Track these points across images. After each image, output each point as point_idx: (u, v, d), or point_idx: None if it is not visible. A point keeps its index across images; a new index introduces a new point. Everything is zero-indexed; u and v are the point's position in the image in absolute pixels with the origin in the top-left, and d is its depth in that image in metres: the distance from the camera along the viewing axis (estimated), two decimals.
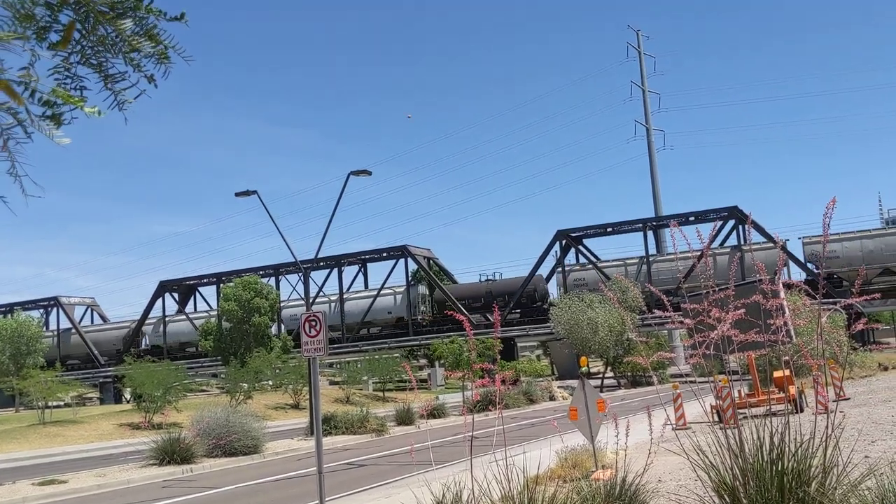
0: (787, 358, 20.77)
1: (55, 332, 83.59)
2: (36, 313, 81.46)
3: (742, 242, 62.50)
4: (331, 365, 72.01)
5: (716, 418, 15.18)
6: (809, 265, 60.39)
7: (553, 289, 68.71)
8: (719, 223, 61.56)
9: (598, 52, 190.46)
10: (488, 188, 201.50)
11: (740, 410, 12.25)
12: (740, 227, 63.46)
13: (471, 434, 7.18)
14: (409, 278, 75.21)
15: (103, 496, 17.19)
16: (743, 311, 6.59)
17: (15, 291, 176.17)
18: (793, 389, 18.43)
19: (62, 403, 50.42)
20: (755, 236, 55.40)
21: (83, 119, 2.95)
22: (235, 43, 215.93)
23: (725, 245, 64.75)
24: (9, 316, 70.28)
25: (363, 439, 27.70)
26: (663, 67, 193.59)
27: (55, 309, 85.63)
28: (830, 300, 10.85)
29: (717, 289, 7.25)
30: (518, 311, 69.09)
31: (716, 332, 6.54)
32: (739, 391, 20.35)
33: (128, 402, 58.77)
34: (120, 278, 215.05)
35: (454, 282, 77.99)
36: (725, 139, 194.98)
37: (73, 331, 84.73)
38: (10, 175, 2.84)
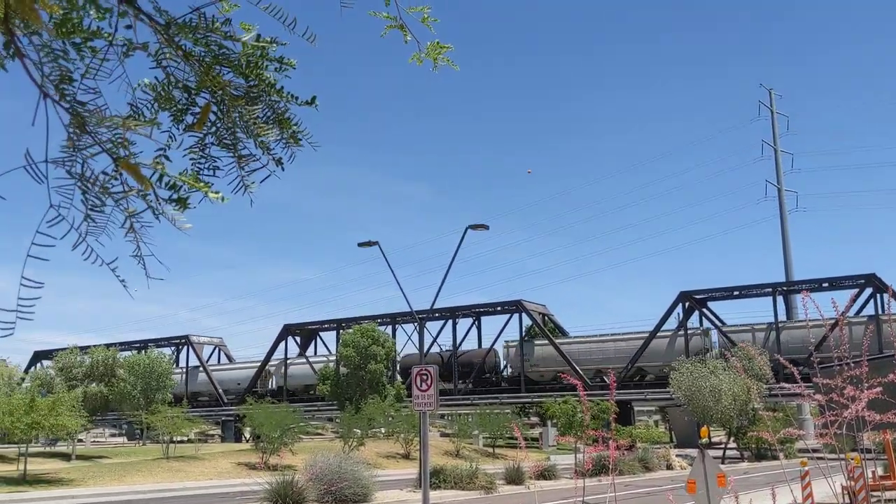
0: None
1: (184, 370, 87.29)
2: (168, 350, 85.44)
3: (880, 312, 58.78)
4: (443, 416, 71.91)
5: (846, 500, 14.20)
6: None
7: (674, 352, 66.50)
8: (856, 291, 58.27)
9: (727, 108, 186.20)
10: (607, 246, 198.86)
11: (874, 493, 11.41)
12: (878, 295, 59.81)
13: (582, 500, 6.98)
14: (524, 334, 74.68)
15: None
16: (879, 389, 6.18)
17: (147, 329, 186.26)
18: None
19: (185, 439, 52.43)
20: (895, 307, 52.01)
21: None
22: (353, 95, 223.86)
23: (861, 314, 61.06)
24: (143, 352, 74.03)
25: (471, 496, 27.38)
26: (799, 123, 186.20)
27: (186, 347, 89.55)
28: None
29: (850, 362, 6.83)
30: (471, 381, 72.56)
31: (849, 411, 6.16)
32: (873, 472, 18.99)
33: (247, 441, 60.61)
34: (245, 321, 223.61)
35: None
36: (864, 201, 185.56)
37: (201, 369, 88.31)
38: (134, 257, 2.87)
